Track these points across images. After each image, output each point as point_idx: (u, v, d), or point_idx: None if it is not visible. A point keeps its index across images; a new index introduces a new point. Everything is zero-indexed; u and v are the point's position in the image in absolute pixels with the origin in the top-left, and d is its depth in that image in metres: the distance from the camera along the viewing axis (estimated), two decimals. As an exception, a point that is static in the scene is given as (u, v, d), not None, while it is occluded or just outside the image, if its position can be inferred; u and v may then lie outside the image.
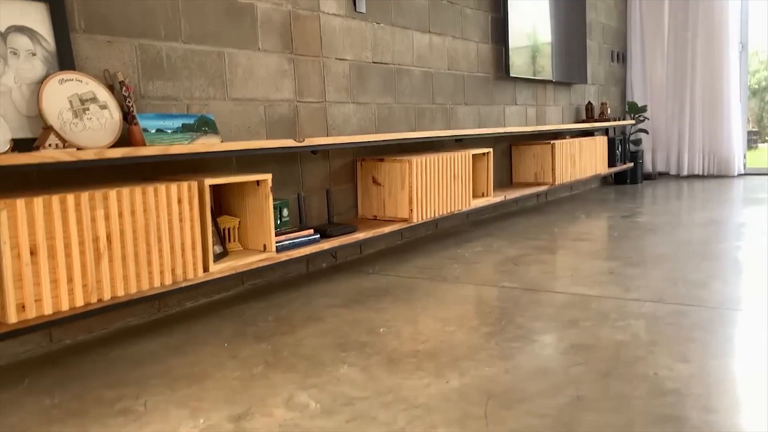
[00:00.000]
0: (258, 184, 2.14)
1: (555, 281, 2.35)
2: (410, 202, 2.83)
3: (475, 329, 1.83)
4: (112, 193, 1.65)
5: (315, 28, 2.71)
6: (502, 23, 4.07)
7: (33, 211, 1.50)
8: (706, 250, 2.77)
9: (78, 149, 1.69)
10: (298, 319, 2.02)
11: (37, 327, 1.51)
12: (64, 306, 1.56)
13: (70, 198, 1.56)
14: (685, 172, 6.12)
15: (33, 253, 1.50)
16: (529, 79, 4.43)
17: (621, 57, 6.24)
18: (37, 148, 1.62)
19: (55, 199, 1.53)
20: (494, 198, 3.54)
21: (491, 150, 3.48)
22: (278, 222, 2.37)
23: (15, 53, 1.72)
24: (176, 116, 1.98)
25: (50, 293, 1.54)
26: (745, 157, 6.18)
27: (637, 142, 5.92)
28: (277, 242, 2.22)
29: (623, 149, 5.52)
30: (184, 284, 1.86)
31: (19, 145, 1.67)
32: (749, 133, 10.48)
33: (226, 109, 2.34)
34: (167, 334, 1.93)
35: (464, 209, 3.23)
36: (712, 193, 4.80)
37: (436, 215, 3.00)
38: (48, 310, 1.53)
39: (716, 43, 5.88)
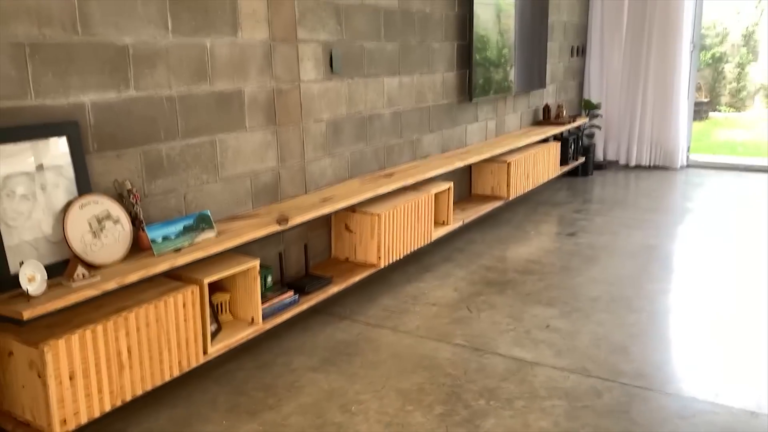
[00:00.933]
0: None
1: (499, 338, 2.78)
2: (378, 250, 3.19)
3: (429, 408, 2.25)
4: (131, 315, 1.98)
5: (296, 98, 2.96)
6: (467, 50, 4.32)
7: (71, 346, 1.82)
8: (635, 295, 3.21)
9: (99, 267, 2.00)
10: (282, 388, 2.40)
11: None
12: (96, 413, 1.92)
13: (99, 328, 1.89)
14: (633, 163, 6.56)
15: (71, 377, 1.84)
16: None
17: (581, 50, 6.52)
18: (67, 279, 1.92)
19: (88, 332, 1.86)
20: (454, 225, 3.92)
21: (452, 184, 3.83)
22: (263, 288, 2.71)
23: (43, 188, 1.99)
24: (178, 221, 2.28)
25: (84, 405, 1.88)
26: (689, 150, 6.63)
27: (590, 135, 6.30)
28: (263, 310, 2.58)
29: (576, 146, 5.91)
30: (186, 369, 2.22)
31: (50, 272, 1.96)
32: (701, 104, 10.99)
33: (217, 189, 2.63)
34: (171, 404, 2.30)
35: (428, 242, 3.60)
36: (652, 196, 5.26)
37: (402, 255, 3.37)
38: (83, 419, 1.89)
39: (670, 42, 6.20)
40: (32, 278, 1.82)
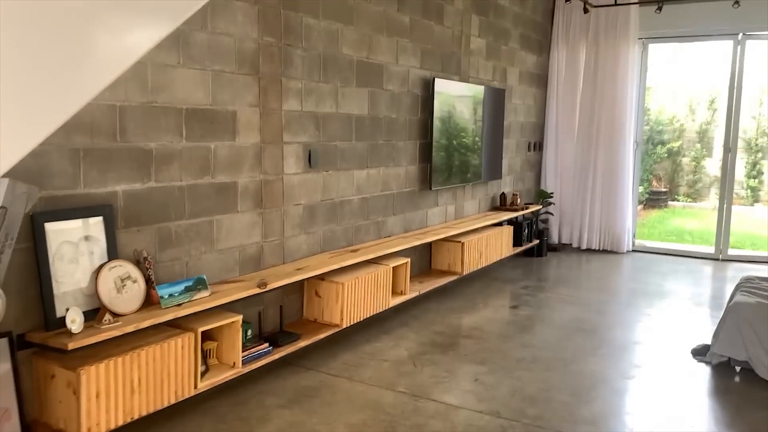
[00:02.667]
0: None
1: (435, 387, 3.41)
2: (341, 313, 3.86)
3: (369, 436, 2.87)
4: (143, 353, 2.63)
5: (279, 187, 3.71)
6: (428, 147, 5.12)
7: (99, 372, 2.47)
8: (554, 357, 3.87)
9: (120, 315, 2.66)
10: (255, 419, 3.02)
11: (96, 439, 2.49)
12: (112, 425, 2.54)
13: (120, 360, 2.54)
14: (584, 246, 7.32)
15: (97, 396, 2.47)
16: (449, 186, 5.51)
17: (538, 146, 7.40)
18: (98, 322, 2.58)
19: (111, 362, 2.51)
20: (410, 295, 4.60)
21: (409, 260, 4.54)
22: (244, 339, 3.36)
23: (83, 254, 2.68)
24: (180, 282, 2.96)
25: (104, 419, 2.51)
26: (634, 236, 7.41)
27: (545, 221, 7.09)
28: (243, 357, 3.22)
29: (530, 230, 6.67)
30: (181, 398, 2.85)
31: (85, 316, 2.62)
32: (660, 193, 11.91)
33: (212, 258, 3.32)
34: (168, 427, 2.90)
35: (385, 309, 4.28)
36: (594, 277, 5.97)
37: (362, 318, 4.04)
38: (103, 429, 2.51)
39: (615, 140, 7.08)
40: (74, 320, 2.48)
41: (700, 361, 3.88)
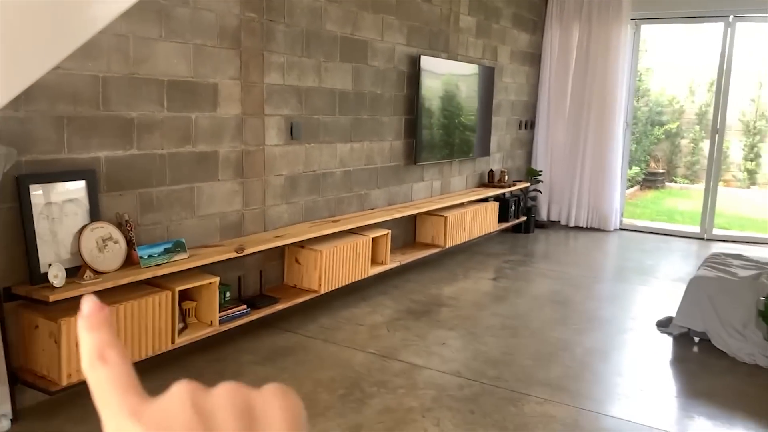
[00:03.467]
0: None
1: (403, 350, 3.60)
2: (319, 279, 4.05)
3: (334, 391, 3.07)
4: (122, 307, 2.83)
5: (260, 158, 3.88)
6: (414, 123, 5.26)
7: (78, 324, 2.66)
8: (522, 325, 4.05)
9: (101, 273, 2.86)
10: (229, 373, 3.23)
11: (74, 386, 2.70)
12: (91, 373, 2.74)
13: (99, 313, 2.73)
14: (572, 224, 7.46)
15: (77, 345, 2.67)
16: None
17: (530, 124, 7.51)
18: (79, 278, 2.78)
19: (91, 315, 2.70)
20: (391, 265, 4.78)
21: (389, 231, 4.71)
22: (223, 301, 3.56)
23: (66, 215, 2.86)
24: (160, 244, 3.15)
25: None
26: (622, 215, 7.54)
27: (533, 198, 7.23)
28: (220, 317, 3.42)
29: (517, 207, 6.81)
30: (159, 352, 3.05)
31: (68, 273, 2.81)
32: (657, 174, 11.97)
33: (193, 224, 3.51)
34: (147, 380, 3.09)
35: (364, 277, 4.46)
36: (576, 253, 6.13)
37: (340, 285, 4.23)
38: (82, 376, 2.71)
39: (606, 120, 7.18)
40: (56, 275, 2.68)
41: (663, 332, 4.05)
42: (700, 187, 11.94)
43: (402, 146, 5.24)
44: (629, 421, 2.92)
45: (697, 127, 11.88)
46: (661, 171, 12.02)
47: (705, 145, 12.08)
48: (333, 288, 4.18)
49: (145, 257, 3.06)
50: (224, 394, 0.29)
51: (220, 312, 3.42)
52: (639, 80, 11.10)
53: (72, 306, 2.75)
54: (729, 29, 6.74)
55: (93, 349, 0.30)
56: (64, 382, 2.66)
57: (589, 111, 7.23)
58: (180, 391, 0.29)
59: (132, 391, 0.28)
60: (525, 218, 7.00)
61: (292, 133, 4.08)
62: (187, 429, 0.27)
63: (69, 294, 2.65)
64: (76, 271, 2.84)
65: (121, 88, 3.06)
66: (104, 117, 3.01)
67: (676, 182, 12.22)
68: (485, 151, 6.40)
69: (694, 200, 10.73)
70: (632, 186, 11.47)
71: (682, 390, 3.37)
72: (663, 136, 11.91)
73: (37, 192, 2.75)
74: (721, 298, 3.74)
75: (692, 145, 12.05)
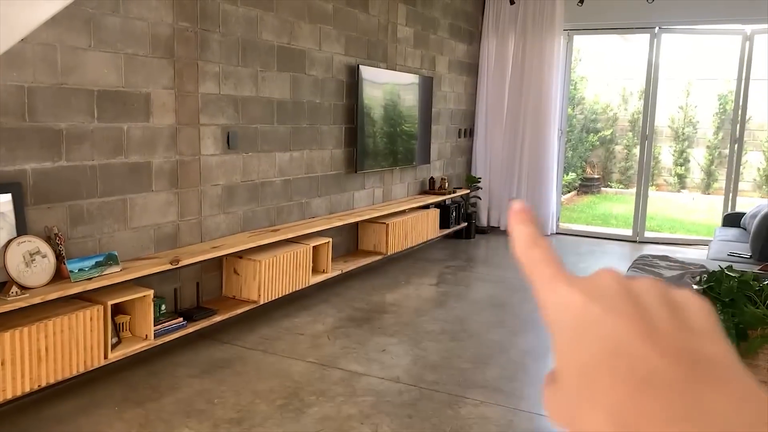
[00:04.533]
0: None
1: (343, 358, 3.62)
2: (259, 289, 4.03)
3: (273, 402, 3.06)
4: (50, 323, 2.76)
5: (196, 168, 3.84)
6: (354, 132, 5.30)
7: (3, 341, 2.58)
8: (461, 329, 4.12)
9: (29, 288, 2.78)
10: (165, 387, 3.18)
11: (1, 405, 2.61)
12: (18, 392, 2.66)
13: (26, 330, 2.66)
14: (512, 229, 7.61)
15: (2, 363, 2.59)
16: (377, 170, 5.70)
17: (469, 132, 7.66)
18: (4, 294, 2.69)
19: (17, 332, 2.63)
20: (332, 273, 4.79)
21: (330, 240, 4.73)
22: (158, 314, 3.50)
23: (-10, 230, 2.77)
24: (91, 257, 3.08)
25: (10, 385, 2.63)
26: (558, 219, 7.76)
27: (473, 204, 7.37)
28: (155, 330, 3.36)
29: (458, 213, 6.93)
30: (92, 367, 2.98)
31: (-9, 290, 2.72)
32: (593, 179, 12.36)
33: (126, 236, 3.44)
34: (78, 395, 3.04)
35: (305, 286, 4.46)
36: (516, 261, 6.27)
37: (281, 295, 4.21)
38: (9, 395, 2.63)
39: (541, 128, 7.38)
40: (-21, 292, 2.59)
41: (596, 332, 4.18)
42: (633, 191, 12.40)
43: (343, 155, 5.26)
44: (561, 420, 3.01)
45: (630, 134, 12.33)
46: (596, 176, 12.41)
47: (637, 151, 12.56)
48: (273, 298, 4.16)
49: (75, 271, 2.99)
50: (648, 282, 0.31)
51: (155, 325, 3.37)
52: (573, 89, 11.46)
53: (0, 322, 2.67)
54: (655, 40, 7.04)
55: (528, 237, 0.33)
56: (-11, 403, 2.57)
57: (525, 119, 7.43)
58: (607, 271, 0.31)
59: (563, 268, 0.32)
60: (466, 224, 7.12)
61: (228, 142, 4.05)
62: (617, 300, 0.30)
63: (-7, 311, 2.57)
64: (2, 288, 2.75)
65: (49, 98, 2.99)
66: (30, 128, 2.93)
67: (611, 187, 12.64)
68: (426, 159, 6.50)
69: (628, 204, 11.12)
70: (569, 191, 11.81)
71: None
72: (598, 143, 12.31)
73: (-42, 206, 2.66)
74: (648, 298, 3.90)
75: (626, 151, 12.49)
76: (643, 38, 7.29)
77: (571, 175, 11.83)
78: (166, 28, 3.54)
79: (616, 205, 11.30)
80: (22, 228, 2.89)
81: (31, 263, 2.87)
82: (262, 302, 4.05)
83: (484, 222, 7.71)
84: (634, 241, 7.35)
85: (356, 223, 5.54)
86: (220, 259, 4.06)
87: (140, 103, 3.44)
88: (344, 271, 4.98)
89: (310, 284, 4.54)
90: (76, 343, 2.89)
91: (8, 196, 2.85)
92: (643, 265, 4.32)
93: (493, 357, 3.73)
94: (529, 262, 0.33)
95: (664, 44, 7.10)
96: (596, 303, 0.30)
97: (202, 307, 3.85)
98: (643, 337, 0.28)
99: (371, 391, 3.21)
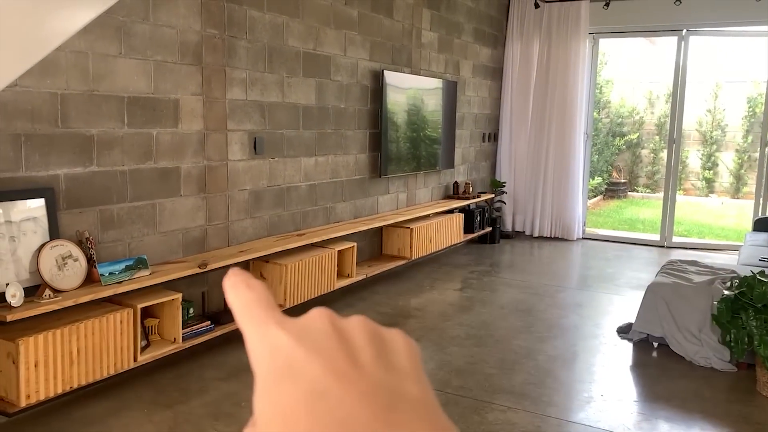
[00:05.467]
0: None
1: (369, 363, 3.62)
2: (285, 293, 4.05)
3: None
4: (82, 326, 2.80)
5: (223, 173, 3.88)
6: (378, 137, 5.31)
7: (37, 343, 2.63)
8: (487, 334, 4.10)
9: (61, 291, 2.83)
10: (193, 390, 3.21)
11: (34, 407, 2.65)
12: (51, 393, 2.71)
13: (58, 332, 2.71)
14: (536, 234, 7.58)
15: (36, 365, 2.64)
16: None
17: (493, 137, 7.63)
18: (38, 297, 2.74)
19: (50, 334, 2.68)
20: (357, 277, 4.80)
21: (355, 244, 4.74)
22: (186, 317, 3.54)
23: (24, 234, 2.83)
24: (121, 261, 3.13)
25: (43, 387, 2.68)
26: (584, 224, 7.69)
27: (498, 209, 7.34)
28: (184, 333, 3.40)
29: (482, 218, 6.90)
30: (121, 370, 3.02)
31: (27, 292, 2.78)
32: (619, 184, 12.23)
33: (155, 240, 3.49)
34: (107, 397, 3.08)
35: (330, 290, 4.47)
36: (540, 263, 6.23)
37: (306, 299, 4.23)
38: (42, 396, 2.68)
39: (567, 132, 7.33)
40: (14, 295, 2.64)
41: (623, 338, 4.14)
42: (661, 195, 12.25)
43: (367, 159, 5.28)
44: (591, 426, 2.98)
45: (657, 138, 12.18)
46: (623, 181, 12.27)
47: (665, 155, 12.40)
48: (299, 302, 4.18)
49: (106, 275, 3.04)
50: (357, 321, 0.32)
51: (183, 328, 3.40)
52: (599, 92, 11.35)
53: (31, 326, 2.72)
54: (683, 42, 6.95)
55: (241, 279, 0.33)
56: (23, 403, 2.62)
57: (550, 123, 7.38)
58: (320, 311, 0.32)
59: (276, 310, 0.31)
60: (490, 229, 7.09)
61: (255, 147, 4.09)
62: (325, 338, 0.30)
63: (27, 314, 2.62)
64: (35, 290, 2.81)
65: (80, 105, 3.05)
66: (63, 134, 2.99)
67: (637, 191, 12.49)
68: (450, 164, 6.49)
69: (654, 209, 10.98)
70: (595, 196, 11.69)
71: (641, 394, 3.45)
72: (624, 147, 12.18)
73: (-7, 211, 2.72)
74: (677, 304, 3.85)
75: (652, 155, 12.34)
76: (671, 41, 7.20)
77: (597, 180, 11.71)
78: (194, 35, 3.59)
79: (642, 209, 11.17)
80: (54, 232, 2.95)
81: (64, 267, 2.93)
82: (288, 306, 4.07)
83: (509, 227, 7.66)
84: (662, 246, 7.25)
85: (380, 228, 5.55)
86: (247, 263, 4.09)
87: (169, 109, 3.49)
88: (369, 275, 4.99)
89: (336, 288, 4.55)
90: (106, 346, 2.93)
91: (41, 201, 2.91)
92: (672, 270, 4.26)
93: (520, 362, 3.70)
94: (241, 305, 0.32)
95: (692, 46, 7.01)
96: (302, 345, 0.29)
97: (229, 310, 3.87)
98: (343, 378, 0.28)
99: (397, 396, 3.20)
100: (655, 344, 4.00)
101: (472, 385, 3.36)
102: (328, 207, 4.89)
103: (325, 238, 4.46)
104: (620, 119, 12.34)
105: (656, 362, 3.84)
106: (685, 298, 3.84)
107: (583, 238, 7.60)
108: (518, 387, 3.36)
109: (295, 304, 4.15)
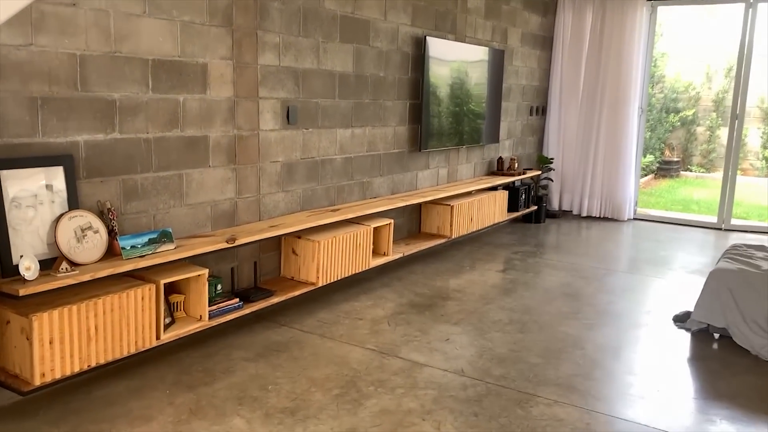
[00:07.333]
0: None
1: (404, 346, 3.41)
2: (317, 271, 3.85)
3: (329, 391, 2.88)
4: (100, 301, 2.65)
5: (254, 143, 3.67)
6: (419, 107, 5.03)
7: (52, 319, 2.49)
8: (531, 320, 3.84)
9: (80, 265, 2.68)
10: (219, 371, 3.04)
11: (50, 385, 2.52)
12: (67, 372, 2.57)
13: (75, 308, 2.56)
14: (585, 213, 7.22)
15: (51, 342, 2.50)
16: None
17: (541, 110, 7.26)
18: (54, 271, 2.60)
19: (66, 310, 2.53)
20: (393, 256, 4.58)
21: (392, 221, 4.50)
22: (213, 294, 3.37)
23: (42, 203, 2.68)
24: (144, 234, 2.96)
25: (59, 365, 2.54)
26: (636, 204, 7.29)
27: (545, 186, 6.99)
28: (210, 311, 3.23)
29: (528, 196, 6.58)
30: (143, 348, 2.87)
31: (43, 265, 2.63)
32: (672, 162, 11.67)
33: (181, 212, 3.31)
34: (129, 377, 2.94)
35: (365, 269, 4.26)
36: (588, 244, 5.90)
37: (339, 277, 4.03)
38: (57, 375, 2.54)
39: (620, 107, 6.92)
40: (29, 267, 2.50)
41: (680, 327, 3.82)
42: (716, 176, 11.63)
43: (407, 132, 5.02)
44: (644, 425, 2.71)
45: (714, 115, 11.55)
46: (676, 159, 11.71)
47: (722, 133, 11.74)
48: (332, 280, 3.98)
49: (128, 248, 2.88)
50: None
51: (210, 306, 3.24)
52: (654, 66, 10.79)
53: (46, 301, 2.57)
54: (750, 11, 6.44)
55: None
56: (38, 382, 2.48)
57: (602, 97, 6.97)
58: None
59: None
60: (536, 207, 6.76)
61: (288, 117, 3.87)
62: None
63: (41, 288, 2.47)
64: (52, 263, 2.66)
65: (102, 67, 2.87)
66: (82, 98, 2.81)
67: (691, 171, 11.91)
68: (494, 138, 6.17)
69: (710, 189, 10.43)
70: (646, 175, 11.18)
71: (701, 391, 3.14)
72: (678, 124, 11.59)
73: (8, 177, 2.57)
74: (743, 292, 3.51)
75: (708, 133, 11.72)
76: (737, 8, 6.68)
77: (649, 158, 11.19)
78: (224, -5, 3.37)
79: (697, 189, 10.62)
80: (73, 202, 2.79)
81: (83, 239, 2.77)
82: (320, 284, 3.88)
83: (555, 206, 7.32)
84: (719, 229, 6.82)
85: (419, 205, 5.30)
86: (278, 238, 3.90)
87: (197, 73, 3.29)
88: (406, 254, 4.76)
89: (371, 267, 4.34)
90: (126, 323, 2.78)
91: (60, 169, 2.75)
92: (736, 255, 3.91)
93: (566, 351, 3.43)
94: None
95: (760, 15, 6.48)
96: None
97: (259, 287, 3.70)
98: None
99: (433, 384, 2.98)
100: (717, 335, 3.67)
101: (514, 375, 3.11)
102: (365, 182, 4.66)
103: (360, 214, 4.23)
104: (675, 95, 11.73)
105: (718, 355, 3.52)
106: (752, 286, 3.50)
107: (634, 219, 7.21)
108: (564, 378, 3.10)
109: (328, 282, 3.95)
